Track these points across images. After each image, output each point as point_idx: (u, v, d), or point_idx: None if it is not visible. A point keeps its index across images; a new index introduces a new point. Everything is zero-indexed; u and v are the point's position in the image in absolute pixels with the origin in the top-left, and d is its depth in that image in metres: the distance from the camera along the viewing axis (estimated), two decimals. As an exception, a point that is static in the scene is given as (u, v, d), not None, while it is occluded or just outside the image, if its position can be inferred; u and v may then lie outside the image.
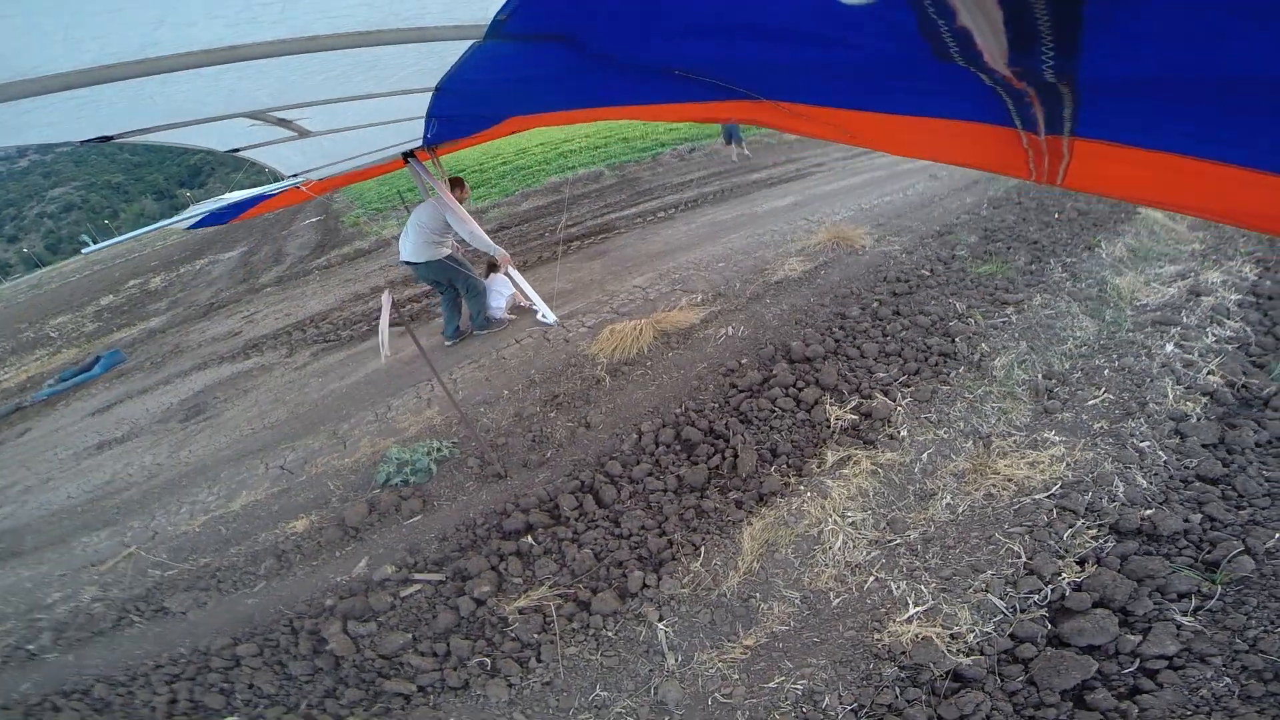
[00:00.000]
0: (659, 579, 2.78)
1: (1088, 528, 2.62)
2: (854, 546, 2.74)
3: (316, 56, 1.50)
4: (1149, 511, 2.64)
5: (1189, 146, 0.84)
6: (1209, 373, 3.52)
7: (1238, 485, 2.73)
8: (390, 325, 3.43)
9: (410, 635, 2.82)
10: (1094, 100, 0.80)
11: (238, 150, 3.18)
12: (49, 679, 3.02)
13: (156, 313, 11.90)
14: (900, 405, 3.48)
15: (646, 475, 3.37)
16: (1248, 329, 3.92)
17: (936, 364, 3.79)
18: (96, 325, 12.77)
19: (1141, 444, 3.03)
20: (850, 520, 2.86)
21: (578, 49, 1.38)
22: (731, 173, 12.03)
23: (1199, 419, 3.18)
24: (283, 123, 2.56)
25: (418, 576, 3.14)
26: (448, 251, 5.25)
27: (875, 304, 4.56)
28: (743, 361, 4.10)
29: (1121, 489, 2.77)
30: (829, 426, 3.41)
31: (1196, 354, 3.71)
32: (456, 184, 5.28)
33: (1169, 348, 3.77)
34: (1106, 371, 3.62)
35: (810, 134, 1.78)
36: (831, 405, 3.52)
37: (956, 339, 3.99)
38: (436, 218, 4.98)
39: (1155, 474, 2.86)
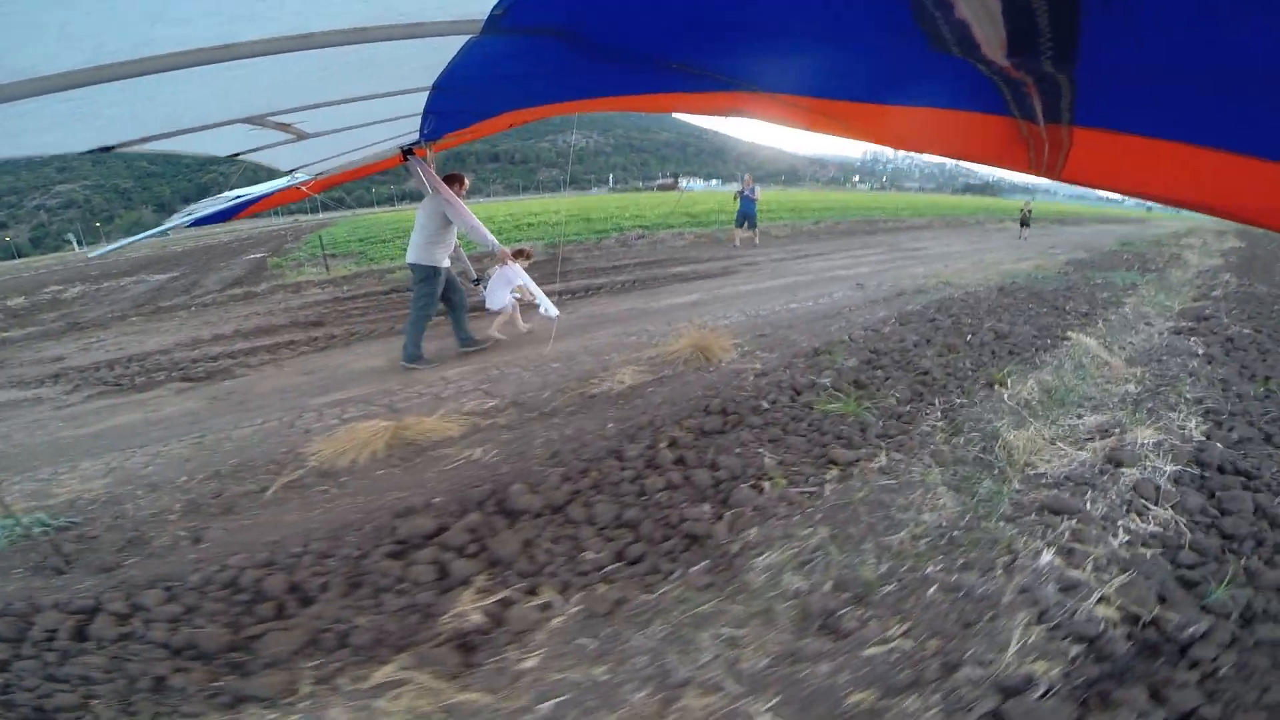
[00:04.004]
0: None
1: None
2: None
3: (313, 55, 1.46)
4: None
5: (1190, 134, 0.83)
6: (1100, 600, 2.22)
7: None
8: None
9: None
10: (1092, 89, 0.81)
11: (237, 155, 3.22)
12: None
13: (37, 324, 10.91)
14: (564, 613, 2.18)
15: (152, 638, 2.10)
16: (1180, 521, 2.66)
17: (672, 551, 2.48)
18: (-22, 332, 11.81)
19: (914, 754, 1.68)
20: None
21: (574, 43, 1.40)
22: (661, 263, 11.46)
23: (1047, 691, 1.84)
24: (281, 126, 2.57)
25: None
26: (445, 264, 5.12)
27: (665, 443, 3.33)
28: (434, 501, 2.87)
29: None
30: (440, 623, 2.12)
31: (1090, 567, 2.41)
32: (456, 179, 5.22)
33: (1046, 557, 2.47)
34: (932, 590, 2.30)
35: (806, 126, 1.72)
36: (472, 593, 2.25)
37: (726, 514, 2.70)
38: (435, 214, 4.89)
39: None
